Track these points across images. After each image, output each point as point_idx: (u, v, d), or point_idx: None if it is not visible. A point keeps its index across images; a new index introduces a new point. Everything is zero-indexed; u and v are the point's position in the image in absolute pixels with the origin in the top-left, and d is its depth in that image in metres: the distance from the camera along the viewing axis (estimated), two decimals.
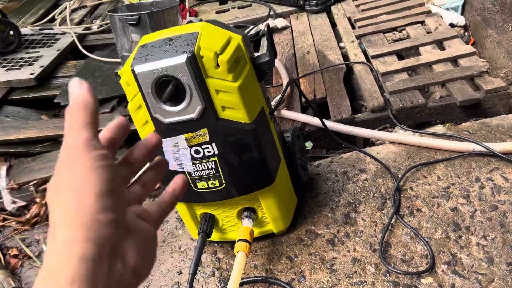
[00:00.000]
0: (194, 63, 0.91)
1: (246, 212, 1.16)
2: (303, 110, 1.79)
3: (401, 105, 1.59)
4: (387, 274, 1.06)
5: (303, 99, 1.78)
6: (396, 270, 1.05)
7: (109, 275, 0.31)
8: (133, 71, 0.94)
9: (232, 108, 0.97)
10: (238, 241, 1.09)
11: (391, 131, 1.60)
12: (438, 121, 1.65)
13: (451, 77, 1.62)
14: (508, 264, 1.01)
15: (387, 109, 1.62)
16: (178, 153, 1.03)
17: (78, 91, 0.36)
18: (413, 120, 1.61)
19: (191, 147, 1.01)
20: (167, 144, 1.02)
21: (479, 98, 1.51)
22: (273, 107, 1.18)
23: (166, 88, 0.94)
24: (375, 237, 1.16)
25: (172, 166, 1.06)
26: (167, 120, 0.98)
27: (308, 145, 1.61)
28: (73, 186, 0.33)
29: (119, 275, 0.32)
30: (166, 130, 1.00)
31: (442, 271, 1.03)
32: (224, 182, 1.06)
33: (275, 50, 1.06)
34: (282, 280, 1.11)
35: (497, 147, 1.25)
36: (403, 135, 1.43)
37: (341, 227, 1.21)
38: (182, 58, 0.90)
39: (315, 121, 1.61)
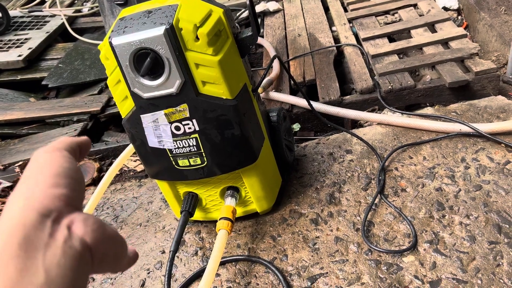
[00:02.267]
0: (173, 35, 0.89)
1: (229, 191, 1.14)
2: (292, 93, 1.78)
3: (389, 87, 1.57)
4: (369, 253, 1.05)
5: (292, 82, 1.76)
6: (378, 249, 1.04)
7: (49, 240, 0.29)
8: (110, 43, 0.92)
9: (213, 83, 0.95)
10: (220, 219, 1.08)
11: (379, 114, 1.59)
12: (427, 103, 1.63)
13: (441, 59, 1.61)
14: (490, 243, 1.00)
15: (376, 91, 1.60)
16: (159, 129, 1.01)
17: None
18: (402, 102, 1.59)
19: (171, 123, 1.00)
20: (147, 120, 1.00)
21: (468, 80, 1.50)
22: (260, 85, 1.17)
23: (145, 61, 0.92)
24: (359, 216, 1.15)
25: (153, 143, 1.04)
26: (146, 95, 0.96)
27: (296, 126, 1.60)
28: (30, 175, 0.33)
29: (63, 240, 0.29)
30: (145, 105, 0.98)
31: (424, 249, 1.03)
32: (205, 159, 1.05)
33: (258, 25, 1.03)
34: (264, 258, 1.10)
35: (484, 127, 1.24)
36: (390, 116, 1.42)
37: (325, 206, 1.20)
38: (160, 30, 0.88)
39: (303, 102, 1.59)
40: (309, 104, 1.35)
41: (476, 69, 1.52)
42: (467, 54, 1.59)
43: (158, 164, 1.09)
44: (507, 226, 1.02)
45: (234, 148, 1.04)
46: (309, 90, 1.83)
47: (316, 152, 1.40)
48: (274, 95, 1.67)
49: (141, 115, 1.00)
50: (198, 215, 1.22)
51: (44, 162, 0.34)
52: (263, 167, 1.14)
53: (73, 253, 0.29)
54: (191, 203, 1.13)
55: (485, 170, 1.17)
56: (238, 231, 1.20)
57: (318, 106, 1.54)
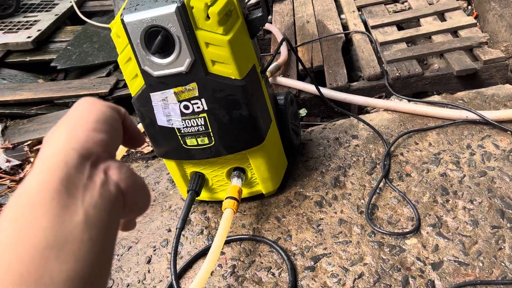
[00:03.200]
0: (184, 13, 0.90)
1: (235, 172, 1.16)
2: (300, 79, 1.78)
3: (397, 74, 1.57)
4: (372, 235, 1.07)
5: (300, 67, 1.77)
6: (381, 231, 1.05)
7: (88, 182, 0.30)
8: (122, 20, 0.93)
9: (222, 62, 0.96)
10: (226, 198, 1.09)
11: (387, 100, 1.59)
12: (434, 92, 1.63)
13: (450, 47, 1.60)
14: (492, 227, 1.01)
15: (383, 78, 1.60)
16: (168, 108, 1.03)
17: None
18: (409, 89, 1.59)
19: (180, 102, 1.01)
20: (156, 98, 1.02)
21: (476, 68, 1.50)
22: (268, 69, 1.17)
23: (155, 39, 0.93)
24: (363, 199, 1.16)
25: (162, 121, 1.05)
26: (156, 73, 0.97)
27: (303, 112, 1.60)
28: (71, 117, 0.33)
29: (100, 183, 0.30)
30: (155, 83, 1.00)
31: (427, 232, 1.04)
32: (213, 139, 1.06)
33: (268, 6, 1.04)
34: (269, 238, 1.12)
35: (490, 115, 1.24)
36: (397, 102, 1.42)
37: (329, 190, 1.22)
38: (171, 8, 0.89)
39: (310, 88, 1.60)
40: (317, 88, 1.36)
41: (484, 57, 1.52)
42: (476, 43, 1.59)
43: (166, 143, 1.10)
44: (510, 211, 1.03)
45: (242, 128, 1.05)
46: (317, 76, 1.83)
47: (322, 137, 1.41)
48: (281, 80, 1.67)
49: (150, 94, 1.01)
50: (204, 195, 1.24)
51: (87, 107, 0.34)
52: (270, 149, 1.15)
53: (109, 196, 0.31)
54: (198, 182, 1.15)
55: (490, 157, 1.18)
56: (243, 212, 1.22)
57: (325, 91, 1.55)
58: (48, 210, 0.27)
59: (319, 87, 1.52)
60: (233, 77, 0.98)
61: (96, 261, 0.28)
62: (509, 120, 1.23)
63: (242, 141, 1.08)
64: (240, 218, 1.21)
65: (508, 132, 1.22)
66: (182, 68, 0.95)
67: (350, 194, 1.19)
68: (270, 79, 1.68)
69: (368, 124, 1.38)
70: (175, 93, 1.00)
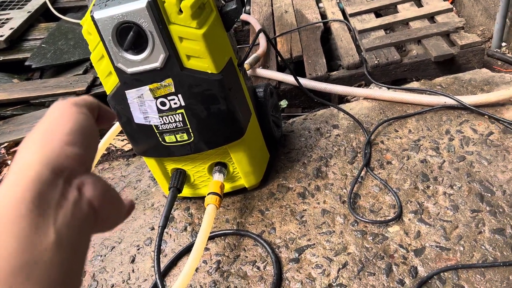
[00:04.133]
0: (155, 8, 0.88)
1: (217, 167, 1.15)
2: (280, 70, 1.77)
3: (376, 62, 1.57)
4: (355, 224, 1.07)
5: (279, 58, 1.76)
6: (364, 219, 1.06)
7: (60, 199, 0.28)
8: (92, 17, 0.90)
9: (197, 57, 0.95)
10: (208, 194, 1.08)
11: (366, 88, 1.60)
12: (413, 78, 1.64)
13: (427, 33, 1.61)
14: (472, 211, 1.02)
15: (362, 66, 1.60)
16: (144, 105, 1.01)
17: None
18: (388, 77, 1.60)
19: (156, 98, 0.99)
20: (132, 95, 1.00)
21: (453, 53, 1.51)
22: (246, 61, 1.16)
23: (128, 36, 0.91)
24: (345, 189, 1.17)
25: (139, 119, 1.04)
26: (130, 70, 0.95)
27: (283, 103, 1.60)
28: (45, 127, 0.32)
29: (73, 201, 0.29)
30: (130, 81, 0.98)
31: (409, 219, 1.05)
32: (192, 135, 1.05)
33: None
34: (253, 232, 1.12)
35: (468, 99, 1.25)
36: (376, 90, 1.43)
37: (312, 180, 1.22)
38: (142, 3, 0.87)
39: (290, 79, 1.59)
40: (296, 79, 1.35)
41: (461, 42, 1.53)
42: (453, 28, 1.60)
43: (145, 141, 1.09)
44: (489, 195, 1.05)
45: (221, 123, 1.04)
46: (296, 67, 1.82)
47: (303, 128, 1.41)
48: (261, 72, 1.66)
49: (125, 91, 0.99)
50: (186, 192, 1.22)
51: (61, 116, 0.32)
52: (251, 142, 1.15)
53: (82, 215, 0.29)
54: (179, 179, 1.14)
55: (468, 142, 1.19)
56: (226, 206, 1.21)
57: (305, 82, 1.54)
58: (17, 230, 0.26)
59: (298, 77, 1.51)
60: (209, 72, 0.97)
61: (67, 281, 0.27)
62: (486, 104, 1.24)
63: (222, 136, 1.07)
64: (224, 213, 1.20)
65: (486, 117, 1.23)
66: (156, 64, 0.94)
67: (332, 184, 1.19)
68: (249, 71, 1.67)
69: (348, 114, 1.38)
70: (150, 89, 0.98)
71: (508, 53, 1.66)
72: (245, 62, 1.64)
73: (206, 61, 0.95)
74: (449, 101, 1.27)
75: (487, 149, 1.15)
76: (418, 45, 1.69)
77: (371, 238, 1.03)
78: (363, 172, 1.19)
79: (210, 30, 0.94)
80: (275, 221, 1.14)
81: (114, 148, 1.64)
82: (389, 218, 1.06)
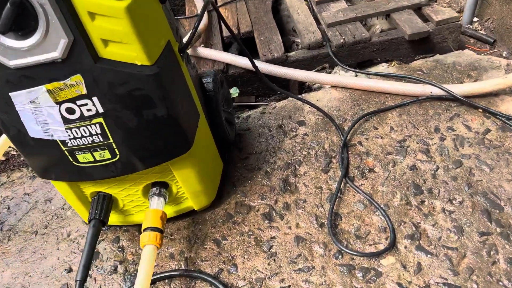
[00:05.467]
0: None
1: (155, 189, 0.85)
2: (226, 48, 1.47)
3: (342, 41, 1.33)
4: (340, 256, 0.84)
5: (224, 34, 1.45)
6: (350, 252, 0.83)
7: None
8: None
9: (119, 42, 0.63)
10: (144, 230, 0.79)
11: (330, 72, 1.35)
12: (379, 59, 1.42)
13: (397, 6, 1.39)
14: (480, 234, 0.83)
15: (325, 46, 1.35)
16: (41, 113, 0.68)
17: None
18: (355, 58, 1.36)
19: (59, 103, 0.67)
20: (21, 100, 0.66)
21: (429, 30, 1.30)
22: (190, 43, 0.85)
23: (3, 10, 0.56)
24: (322, 207, 0.93)
25: (35, 132, 0.71)
26: (14, 63, 0.62)
27: (234, 92, 1.31)
28: None
29: None
30: (15, 78, 0.64)
31: (405, 247, 0.84)
32: (117, 152, 0.74)
33: None
34: (207, 272, 0.85)
35: (458, 89, 1.05)
36: (347, 77, 1.18)
37: (279, 196, 0.96)
38: None
39: (241, 61, 1.30)
40: (254, 65, 1.06)
41: (436, 18, 1.32)
42: (425, 1, 1.39)
43: (47, 160, 0.76)
44: (497, 211, 0.86)
45: (159, 134, 0.74)
46: (245, 44, 1.53)
47: (262, 125, 1.14)
48: (203, 51, 1.35)
49: (10, 94, 0.66)
50: (114, 219, 0.92)
51: None
52: (200, 153, 0.86)
53: None
54: (103, 207, 0.83)
55: (463, 142, 1.00)
56: (170, 236, 0.93)
57: (261, 65, 1.26)
58: None
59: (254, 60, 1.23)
60: (139, 63, 0.66)
61: None
62: (479, 95, 1.05)
63: (161, 151, 0.77)
64: (167, 245, 0.91)
65: (479, 110, 1.04)
66: (55, 54, 0.61)
67: (305, 200, 0.95)
68: (189, 51, 1.35)
69: (316, 107, 1.13)
70: (49, 91, 0.65)
71: (481, 29, 1.49)
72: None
73: (133, 47, 0.64)
74: (436, 91, 1.07)
75: (486, 151, 0.96)
76: (385, 19, 1.47)
77: (361, 274, 0.81)
78: (341, 184, 0.95)
79: (137, 2, 0.62)
80: (235, 254, 0.87)
81: (15, 153, 1.26)
82: (381, 246, 0.84)
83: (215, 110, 0.96)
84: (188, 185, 0.86)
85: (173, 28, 0.77)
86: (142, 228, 0.80)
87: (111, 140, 0.72)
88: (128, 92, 0.67)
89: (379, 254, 0.83)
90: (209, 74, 0.97)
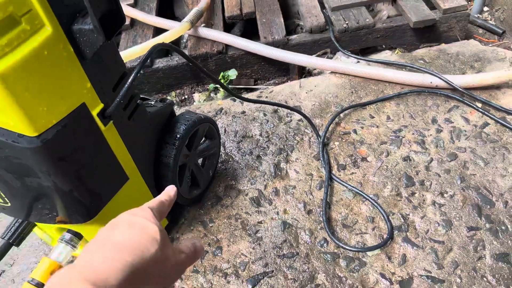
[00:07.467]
0: None
1: (66, 235, 0.75)
2: (227, 28, 1.45)
3: (345, 25, 1.30)
4: (325, 244, 0.84)
5: (227, 14, 1.43)
6: (342, 245, 0.82)
7: None
8: None
9: None
10: (31, 280, 0.68)
11: (331, 58, 1.33)
12: (384, 45, 1.39)
13: None
14: (469, 229, 0.82)
15: (328, 30, 1.32)
16: None
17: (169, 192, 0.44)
18: (358, 44, 1.33)
19: None
20: None
21: (435, 18, 1.26)
22: (186, 18, 0.78)
23: None
24: (311, 194, 0.92)
25: None
26: None
27: (232, 74, 1.29)
28: (112, 239, 0.34)
29: None
30: None
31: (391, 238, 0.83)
32: (8, 201, 0.69)
33: (118, 4, 0.59)
34: None
35: (459, 80, 1.02)
36: (347, 64, 1.16)
37: (269, 181, 0.95)
38: None
39: (241, 42, 1.28)
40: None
41: (444, 5, 1.28)
42: None
43: None
44: (488, 206, 0.85)
45: (47, 202, 0.67)
46: (248, 26, 1.51)
47: (258, 109, 1.12)
48: (204, 31, 1.33)
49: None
50: (41, 235, 0.82)
51: (136, 239, 0.34)
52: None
53: None
54: (17, 231, 0.75)
55: (460, 134, 0.97)
56: None
57: (260, 48, 1.24)
58: None
59: (252, 41, 1.21)
60: (17, 132, 0.57)
61: None
62: (481, 86, 1.02)
63: (53, 215, 0.70)
64: None
65: (479, 103, 1.02)
66: None
67: (294, 186, 0.94)
68: (190, 31, 1.32)
69: (296, 111, 1.09)
70: None
71: (491, 19, 1.45)
72: (185, 19, 1.30)
73: (10, 115, 0.55)
74: (437, 81, 1.04)
75: (483, 145, 0.94)
76: (391, 5, 1.43)
77: (345, 263, 0.80)
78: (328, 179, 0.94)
79: (24, 65, 0.53)
80: (221, 237, 0.87)
81: None
82: (367, 236, 0.83)
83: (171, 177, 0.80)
84: None
85: (96, 86, 0.63)
86: (30, 275, 0.69)
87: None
88: (5, 157, 0.59)
89: (365, 251, 0.82)
90: (184, 120, 0.81)
